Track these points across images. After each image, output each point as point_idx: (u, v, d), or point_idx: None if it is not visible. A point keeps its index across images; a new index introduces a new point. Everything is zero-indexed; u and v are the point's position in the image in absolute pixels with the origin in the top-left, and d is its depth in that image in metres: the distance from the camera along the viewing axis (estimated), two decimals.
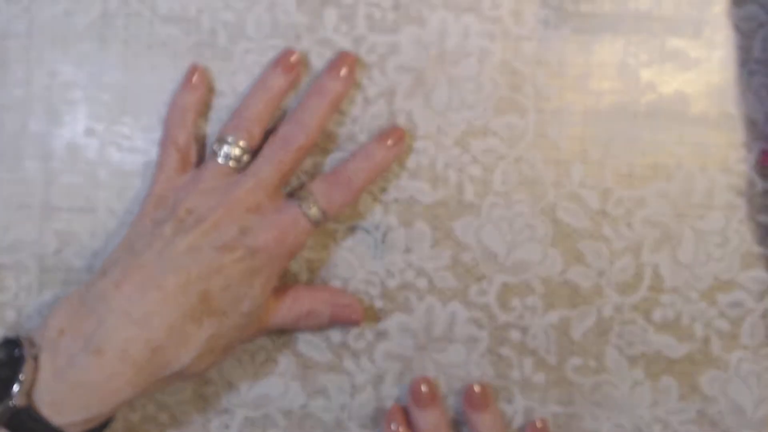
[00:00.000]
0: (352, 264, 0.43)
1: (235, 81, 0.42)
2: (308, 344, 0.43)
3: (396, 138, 0.41)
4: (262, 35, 0.42)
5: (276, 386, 0.43)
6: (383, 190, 0.43)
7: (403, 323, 0.43)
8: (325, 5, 0.42)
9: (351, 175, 0.40)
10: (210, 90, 0.42)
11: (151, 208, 0.40)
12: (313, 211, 0.39)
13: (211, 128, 0.42)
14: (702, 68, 0.43)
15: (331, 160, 0.42)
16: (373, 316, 0.43)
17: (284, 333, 0.43)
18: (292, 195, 0.41)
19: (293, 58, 0.41)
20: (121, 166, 0.43)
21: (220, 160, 0.40)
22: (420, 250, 0.43)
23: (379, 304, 0.43)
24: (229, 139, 0.40)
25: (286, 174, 0.40)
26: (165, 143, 0.41)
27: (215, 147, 0.40)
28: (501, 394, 0.43)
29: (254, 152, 0.40)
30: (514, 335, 0.43)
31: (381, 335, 0.43)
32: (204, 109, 0.42)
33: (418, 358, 0.43)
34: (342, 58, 0.41)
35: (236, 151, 0.40)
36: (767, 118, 0.42)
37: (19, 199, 0.42)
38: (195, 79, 0.41)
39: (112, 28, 0.42)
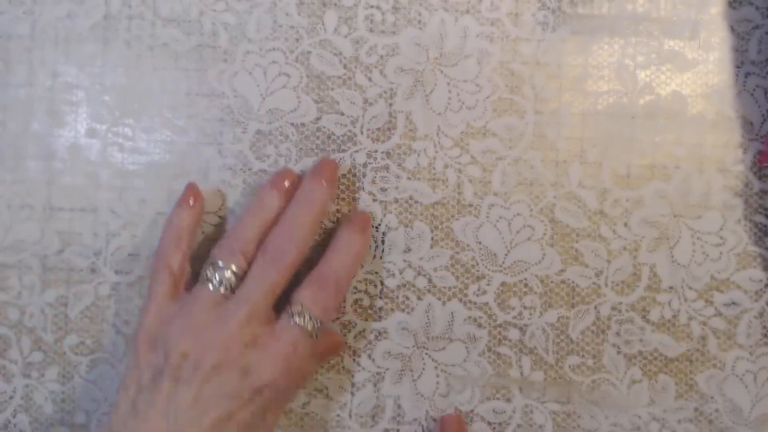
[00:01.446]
0: None
1: (235, 82, 0.43)
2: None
3: (363, 221, 0.41)
4: (263, 37, 0.43)
5: None
6: (383, 190, 0.43)
7: (402, 322, 0.43)
8: (326, 7, 0.43)
9: (336, 275, 0.39)
10: (203, 209, 0.42)
11: (144, 348, 0.38)
12: (310, 325, 0.38)
13: (211, 127, 0.43)
14: (699, 70, 0.43)
15: None
16: (372, 315, 0.43)
17: None
18: (282, 310, 0.39)
19: (288, 180, 0.41)
20: (122, 166, 0.43)
21: (211, 287, 0.38)
22: (419, 249, 0.43)
23: (378, 303, 0.43)
24: (221, 263, 0.39)
25: (278, 293, 0.39)
26: (158, 267, 0.40)
27: (208, 272, 0.39)
28: (500, 392, 0.43)
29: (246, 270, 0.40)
30: (513, 334, 0.43)
31: (381, 334, 0.43)
32: (198, 227, 0.42)
33: (418, 357, 0.43)
34: (325, 165, 0.41)
35: (228, 275, 0.39)
36: (764, 119, 0.43)
37: (21, 199, 0.43)
38: (192, 198, 0.41)
39: (114, 30, 0.43)
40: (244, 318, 0.37)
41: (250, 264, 0.39)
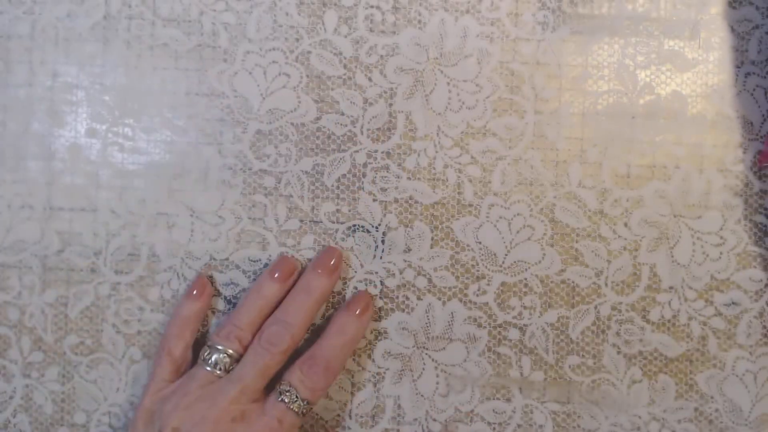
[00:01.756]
0: (352, 264, 0.43)
1: (235, 82, 0.43)
2: (309, 344, 0.43)
3: (364, 305, 0.42)
4: (263, 37, 0.43)
5: None
6: (383, 190, 0.43)
7: (402, 322, 0.43)
8: (326, 7, 0.43)
9: (328, 357, 0.40)
10: (211, 298, 0.43)
11: (141, 423, 0.40)
12: (297, 404, 0.39)
13: (211, 127, 0.43)
14: (699, 69, 0.43)
15: (332, 161, 0.43)
16: (373, 315, 0.43)
17: None
18: (272, 388, 0.40)
19: (288, 270, 0.42)
20: (122, 166, 0.43)
21: (207, 367, 0.40)
22: (419, 250, 0.43)
23: (379, 303, 0.43)
24: (219, 347, 0.40)
25: (270, 375, 0.40)
26: (161, 354, 0.41)
27: (206, 355, 0.40)
28: (500, 392, 0.43)
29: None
30: (513, 334, 0.43)
31: (381, 334, 0.43)
32: (204, 317, 0.43)
33: (418, 357, 0.43)
34: (328, 254, 0.42)
35: (224, 357, 0.40)
36: (764, 119, 0.43)
37: (21, 199, 0.43)
38: (199, 289, 0.42)
39: (114, 30, 0.43)
40: (234, 395, 0.39)
41: (246, 346, 0.40)
